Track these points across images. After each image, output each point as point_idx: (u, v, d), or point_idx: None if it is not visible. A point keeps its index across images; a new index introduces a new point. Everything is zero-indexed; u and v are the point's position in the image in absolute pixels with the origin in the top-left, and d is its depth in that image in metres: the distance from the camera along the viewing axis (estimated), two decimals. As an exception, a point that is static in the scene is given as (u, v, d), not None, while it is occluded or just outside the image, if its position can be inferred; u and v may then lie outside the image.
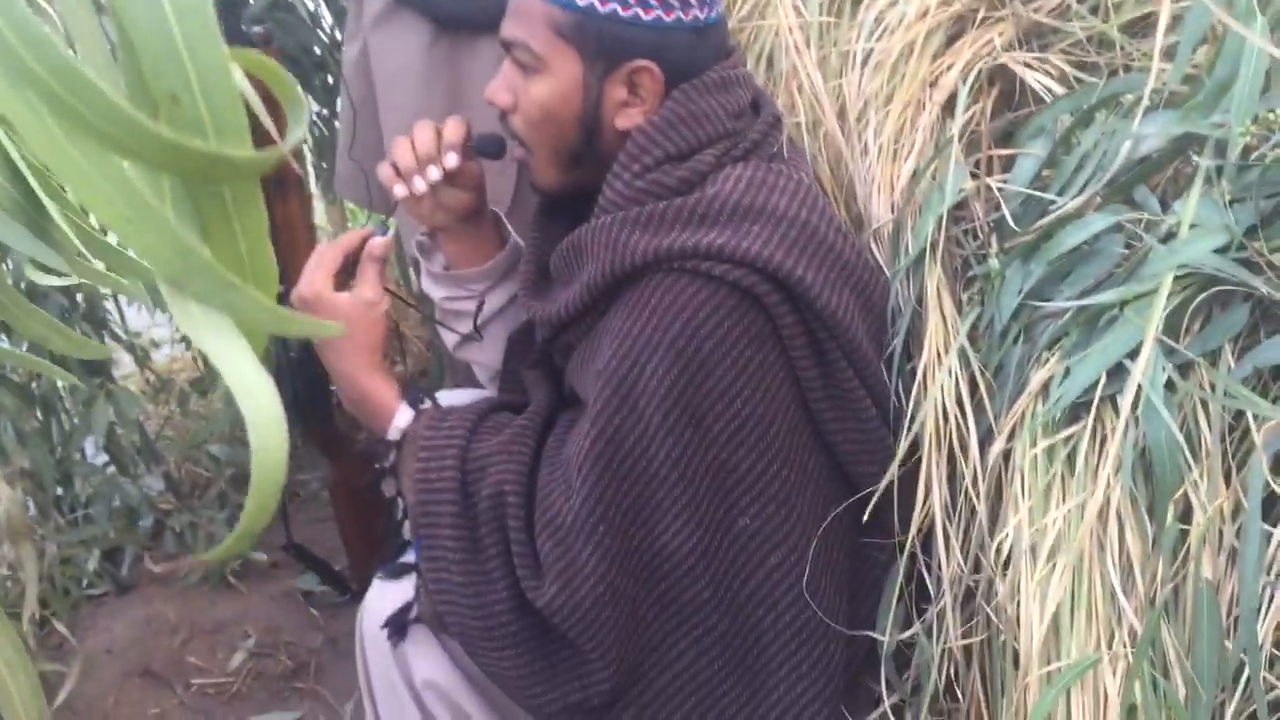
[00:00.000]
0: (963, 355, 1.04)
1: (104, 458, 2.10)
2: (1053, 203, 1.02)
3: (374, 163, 1.57)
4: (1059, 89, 1.10)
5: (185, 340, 2.33)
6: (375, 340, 1.18)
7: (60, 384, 1.96)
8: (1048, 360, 0.97)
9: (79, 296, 1.91)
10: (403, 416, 1.17)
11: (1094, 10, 1.15)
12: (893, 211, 1.14)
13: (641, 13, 1.04)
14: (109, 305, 2.13)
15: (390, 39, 1.58)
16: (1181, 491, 0.85)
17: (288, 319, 0.34)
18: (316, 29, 2.12)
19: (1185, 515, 0.85)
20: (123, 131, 0.28)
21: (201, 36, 0.31)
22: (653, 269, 1.04)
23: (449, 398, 1.27)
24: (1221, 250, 0.88)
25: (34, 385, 1.94)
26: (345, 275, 1.20)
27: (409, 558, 1.22)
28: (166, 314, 2.27)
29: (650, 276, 1.04)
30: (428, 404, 1.19)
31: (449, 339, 1.34)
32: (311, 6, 2.09)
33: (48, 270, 0.54)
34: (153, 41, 0.31)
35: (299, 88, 0.34)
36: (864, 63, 1.18)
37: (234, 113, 0.32)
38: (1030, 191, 1.05)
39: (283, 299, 1.51)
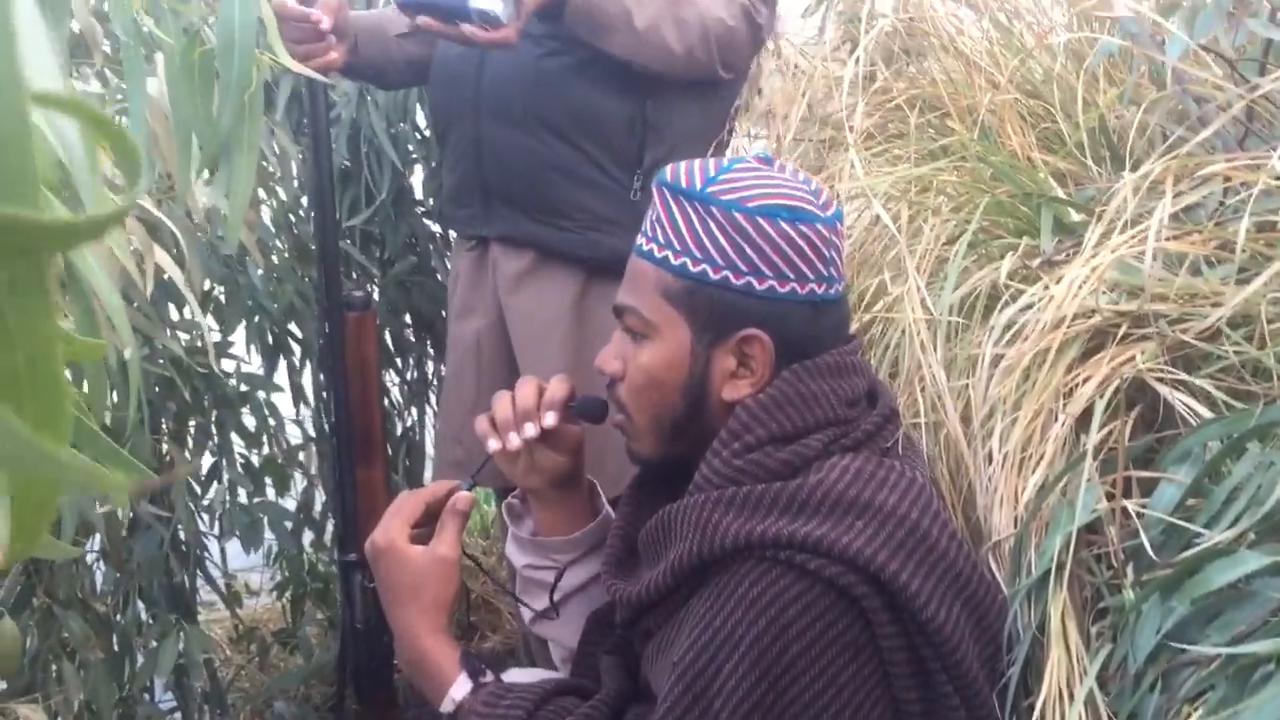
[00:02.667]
0: (1090, 699, 0.90)
1: (172, 700, 2.02)
2: (1198, 535, 0.91)
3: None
4: (1207, 414, 1.01)
5: (278, 589, 2.28)
6: (444, 600, 1.11)
7: (144, 614, 1.92)
8: (1189, 715, 0.83)
9: (179, 530, 1.89)
10: (460, 687, 1.08)
11: (1249, 337, 1.07)
12: (1016, 525, 1.03)
13: (755, 282, 1.01)
14: (211, 544, 2.12)
15: (535, 297, 1.58)
16: None
17: (61, 464, 0.23)
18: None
19: None
20: None
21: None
22: (743, 556, 0.95)
23: (515, 674, 1.17)
24: (1401, 605, 0.75)
25: (118, 616, 1.90)
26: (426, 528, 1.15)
27: None
28: (264, 560, 2.24)
29: (739, 564, 0.95)
30: (489, 677, 1.09)
31: (525, 612, 1.25)
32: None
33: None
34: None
35: (138, 146, 0.27)
36: (993, 367, 1.11)
37: (20, 156, 0.23)
38: (1173, 520, 0.94)
39: (356, 563, 1.46)
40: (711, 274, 1.02)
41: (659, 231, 1.05)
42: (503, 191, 1.58)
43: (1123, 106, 1.46)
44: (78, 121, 0.27)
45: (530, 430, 1.15)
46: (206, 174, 0.89)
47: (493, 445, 1.16)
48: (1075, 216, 1.27)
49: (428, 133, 2.11)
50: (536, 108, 1.54)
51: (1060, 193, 1.31)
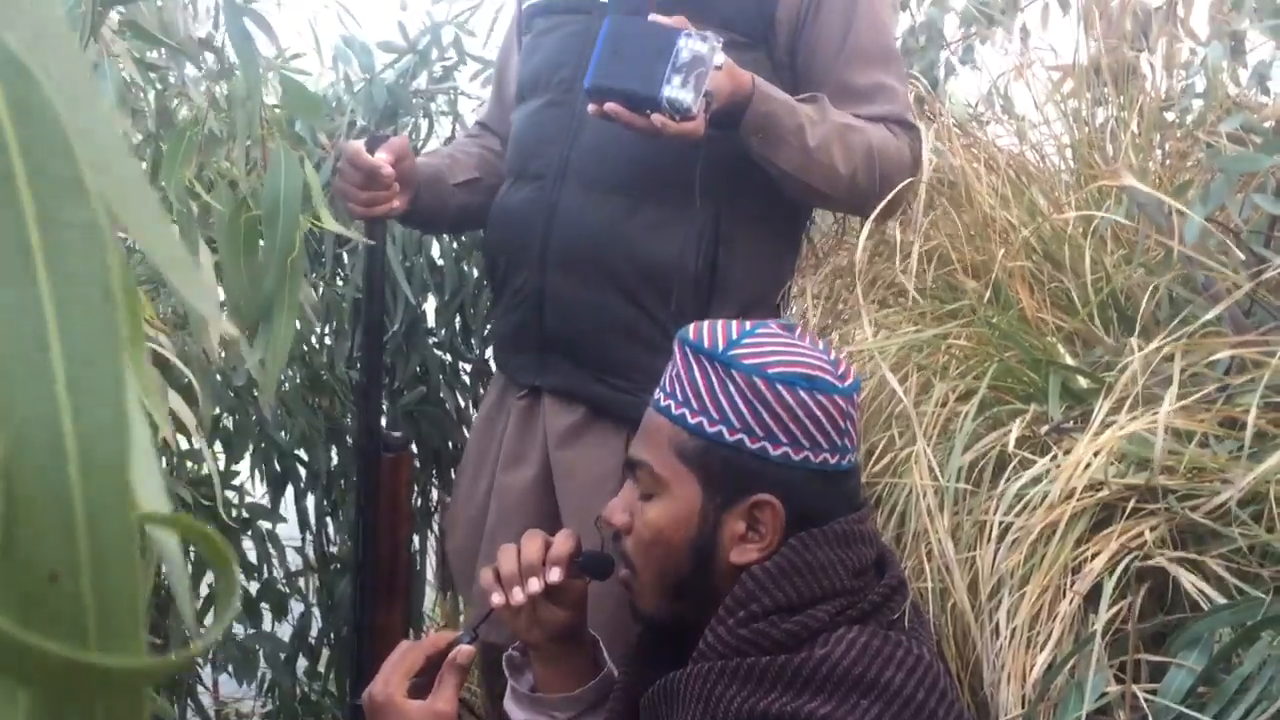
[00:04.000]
0: None
1: (153, 833, 1.97)
2: (1209, 725, 0.89)
3: None
4: (1218, 597, 1.00)
5: (268, 718, 2.24)
6: (439, 758, 1.09)
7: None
8: None
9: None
10: None
11: (1257, 517, 1.06)
12: (1024, 706, 1.02)
13: (770, 447, 1.01)
14: (204, 673, 2.09)
15: (584, 455, 1.55)
16: None
17: None
18: (461, 424, 2.18)
19: None
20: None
21: (108, 501, 0.24)
22: (745, 731, 0.93)
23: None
24: None
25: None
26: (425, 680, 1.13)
27: None
28: (257, 690, 2.20)
29: (741, 740, 0.93)
30: (480, 843, 1.07)
31: (520, 770, 1.23)
32: (462, 404, 2.17)
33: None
34: (42, 493, 0.24)
35: (235, 569, 0.27)
36: (1000, 537, 1.11)
37: (128, 608, 0.25)
38: (1183, 709, 0.92)
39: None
40: (727, 435, 1.03)
41: (677, 388, 1.06)
42: (561, 344, 1.55)
43: (1130, 270, 1.48)
44: (179, 537, 0.28)
45: (534, 586, 1.14)
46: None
47: (496, 600, 1.15)
48: (1083, 383, 1.27)
49: (440, 262, 2.14)
50: (604, 264, 1.51)
51: (1068, 358, 1.32)
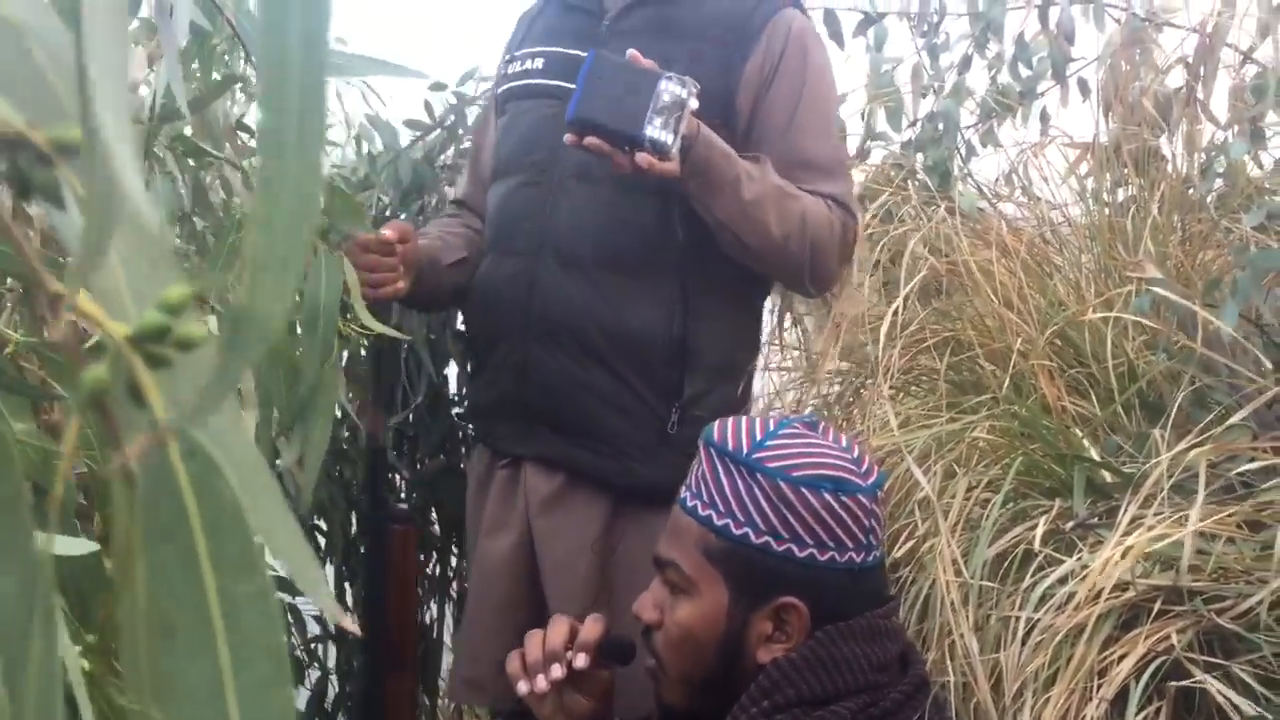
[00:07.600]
0: None
1: None
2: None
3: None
4: (1245, 705, 1.00)
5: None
6: None
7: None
8: None
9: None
10: None
11: (1281, 621, 1.06)
12: (1049, 813, 1.01)
13: (796, 549, 1.02)
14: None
15: (564, 520, 1.57)
16: None
17: None
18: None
19: None
20: None
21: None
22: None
23: None
24: None
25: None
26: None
27: None
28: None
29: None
30: None
31: None
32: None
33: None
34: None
35: None
36: (1025, 636, 1.11)
37: None
38: (1212, 821, 0.92)
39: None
40: (753, 538, 1.03)
41: (703, 489, 1.07)
42: (543, 413, 1.58)
43: (1153, 355, 1.48)
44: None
45: (556, 672, 1.14)
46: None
47: (522, 688, 1.15)
48: (1108, 477, 1.27)
49: (462, 328, 2.14)
50: (582, 335, 1.55)
51: (1093, 451, 1.32)
